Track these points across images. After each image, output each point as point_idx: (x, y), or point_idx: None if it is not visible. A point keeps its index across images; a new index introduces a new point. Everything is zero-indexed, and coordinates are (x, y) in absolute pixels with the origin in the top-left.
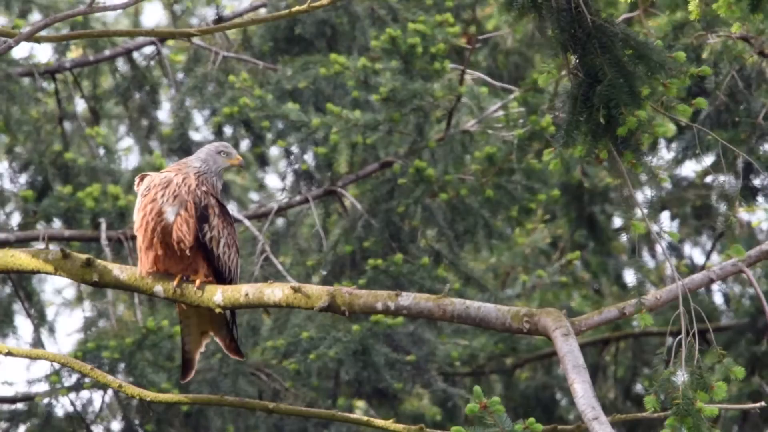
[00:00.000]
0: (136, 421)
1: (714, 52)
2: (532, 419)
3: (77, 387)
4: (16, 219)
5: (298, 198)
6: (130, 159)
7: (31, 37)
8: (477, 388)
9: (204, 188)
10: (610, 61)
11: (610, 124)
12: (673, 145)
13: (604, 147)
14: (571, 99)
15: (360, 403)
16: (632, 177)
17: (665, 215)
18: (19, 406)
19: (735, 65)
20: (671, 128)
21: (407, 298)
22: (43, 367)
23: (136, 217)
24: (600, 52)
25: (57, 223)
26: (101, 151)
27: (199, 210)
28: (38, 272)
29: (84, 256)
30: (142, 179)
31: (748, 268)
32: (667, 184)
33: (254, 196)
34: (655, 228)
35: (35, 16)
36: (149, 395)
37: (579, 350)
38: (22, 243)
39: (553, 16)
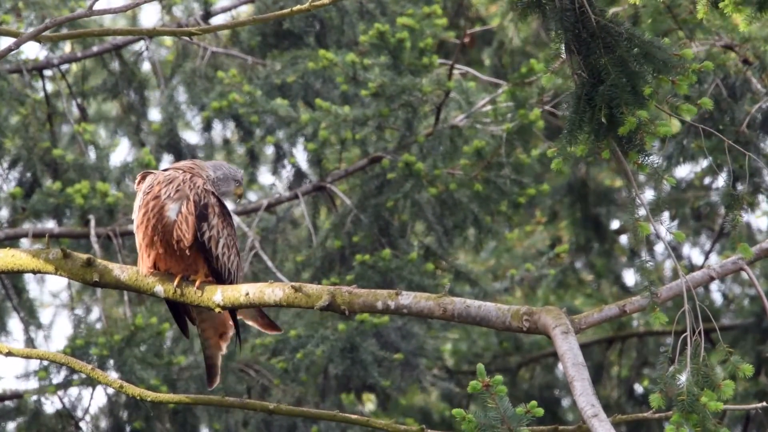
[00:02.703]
0: (125, 418)
1: (696, 59)
2: (533, 402)
3: (66, 384)
4: (3, 215)
5: (287, 194)
6: (118, 155)
7: (34, 38)
8: (480, 366)
9: (207, 187)
10: (613, 61)
11: (612, 124)
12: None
13: (606, 146)
14: (574, 98)
15: (369, 404)
16: (635, 177)
17: (664, 216)
18: (8, 403)
19: (719, 73)
20: (677, 124)
21: (407, 297)
22: (32, 364)
23: (137, 214)
24: (604, 52)
25: (46, 220)
26: (90, 147)
27: (199, 208)
28: (39, 272)
29: (84, 256)
30: (143, 177)
31: (749, 266)
32: (666, 186)
33: (252, 196)
34: (660, 228)
35: (25, 14)
36: (150, 395)
37: (578, 348)
38: (11, 240)
39: (557, 15)
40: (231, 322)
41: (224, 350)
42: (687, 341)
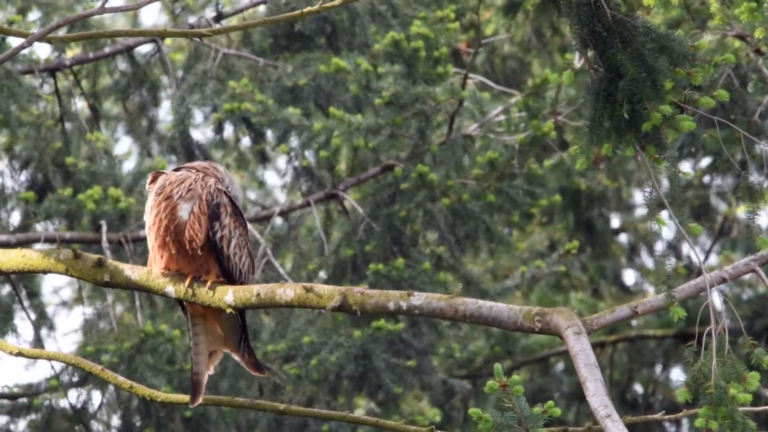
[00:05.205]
0: (137, 423)
1: (709, 51)
2: (551, 402)
3: (79, 383)
4: (15, 217)
5: (299, 201)
6: (129, 162)
7: (44, 38)
8: (497, 366)
9: (219, 186)
10: (631, 56)
11: (634, 120)
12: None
13: (628, 143)
14: (593, 95)
15: (361, 402)
16: (639, 174)
17: (664, 215)
18: (20, 400)
19: (731, 63)
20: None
21: (419, 298)
22: (43, 368)
23: (149, 215)
24: (621, 47)
25: (58, 225)
26: (101, 155)
27: (211, 207)
28: (50, 272)
29: (95, 257)
30: (155, 178)
31: (761, 267)
32: (666, 183)
33: (252, 195)
34: (677, 221)
35: (34, 14)
36: (160, 395)
37: (591, 349)
38: (22, 245)
39: (572, 11)
40: (224, 341)
41: (212, 371)
42: (712, 336)
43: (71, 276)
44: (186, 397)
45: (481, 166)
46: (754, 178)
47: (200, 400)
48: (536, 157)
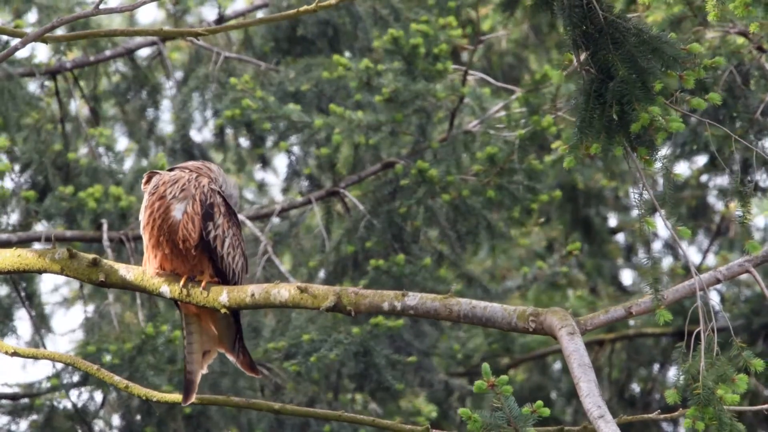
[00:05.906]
0: (138, 422)
1: (712, 48)
2: (540, 402)
3: (81, 383)
4: (15, 218)
5: (300, 199)
6: (130, 159)
7: (39, 38)
8: (485, 365)
9: (213, 186)
10: (622, 57)
11: (623, 121)
12: (669, 143)
13: (618, 144)
14: (583, 96)
15: (358, 397)
16: (632, 174)
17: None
18: (21, 400)
19: (733, 60)
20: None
21: (413, 298)
22: (43, 368)
23: (143, 215)
24: (612, 48)
25: (58, 224)
26: (102, 151)
27: (205, 207)
28: (45, 272)
29: (90, 256)
30: (149, 178)
31: (755, 268)
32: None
33: (250, 195)
34: (668, 223)
35: (34, 16)
36: (155, 395)
37: (584, 349)
38: (23, 244)
39: (565, 12)
40: (218, 341)
41: (205, 369)
42: (700, 337)
43: (66, 276)
44: (180, 396)
45: (481, 161)
46: (752, 177)
47: (193, 399)
48: (536, 153)
